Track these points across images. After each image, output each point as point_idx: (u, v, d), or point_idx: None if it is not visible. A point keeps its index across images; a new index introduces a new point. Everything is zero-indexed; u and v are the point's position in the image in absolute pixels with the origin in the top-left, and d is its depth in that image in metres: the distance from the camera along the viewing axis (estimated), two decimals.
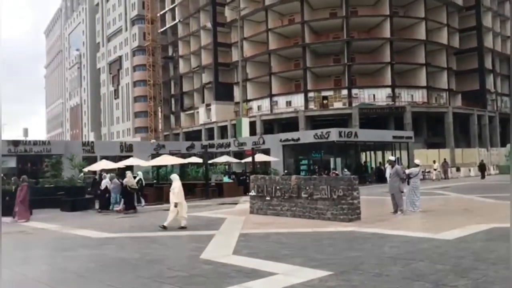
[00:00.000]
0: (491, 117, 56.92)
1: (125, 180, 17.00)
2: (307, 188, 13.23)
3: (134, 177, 18.08)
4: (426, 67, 52.41)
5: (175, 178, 12.38)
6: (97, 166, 26.18)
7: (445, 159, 38.52)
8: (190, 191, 24.78)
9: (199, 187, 23.90)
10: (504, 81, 64.28)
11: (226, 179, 24.96)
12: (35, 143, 30.31)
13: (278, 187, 14.10)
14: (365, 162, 35.61)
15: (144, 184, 19.69)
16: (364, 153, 36.31)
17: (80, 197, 18.97)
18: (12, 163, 28.39)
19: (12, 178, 17.15)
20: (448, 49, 55.30)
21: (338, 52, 53.00)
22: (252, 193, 14.79)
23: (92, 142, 34.63)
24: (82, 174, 22.38)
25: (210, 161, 27.24)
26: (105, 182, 18.19)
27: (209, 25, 60.76)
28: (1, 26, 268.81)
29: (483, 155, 46.56)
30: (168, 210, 12.29)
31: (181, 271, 6.84)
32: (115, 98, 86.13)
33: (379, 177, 30.36)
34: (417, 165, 14.62)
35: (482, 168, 35.93)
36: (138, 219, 15.20)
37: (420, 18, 52.79)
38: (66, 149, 30.57)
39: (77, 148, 31.91)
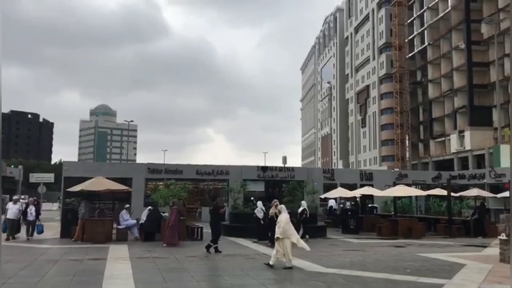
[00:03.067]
0: None
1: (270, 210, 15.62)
2: None
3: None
4: None
5: (282, 209, 11.04)
6: (334, 193, 26.22)
7: None
8: (431, 227, 22.34)
9: (442, 223, 21.15)
10: None
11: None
12: (281, 169, 32.39)
13: None
14: None
15: (308, 216, 17.92)
16: None
17: (311, 224, 18.85)
18: (260, 187, 30.91)
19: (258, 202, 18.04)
20: None
21: None
22: (503, 236, 11.93)
23: (333, 169, 35.10)
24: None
25: (456, 194, 24.02)
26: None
27: (462, 44, 55.63)
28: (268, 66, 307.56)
29: None
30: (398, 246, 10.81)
31: None
32: (362, 127, 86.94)
33: None
34: None
35: None
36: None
37: None
38: (308, 175, 31.69)
39: (318, 175, 32.77)
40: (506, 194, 22.43)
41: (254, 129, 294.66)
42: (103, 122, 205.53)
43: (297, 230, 13.10)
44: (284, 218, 10.76)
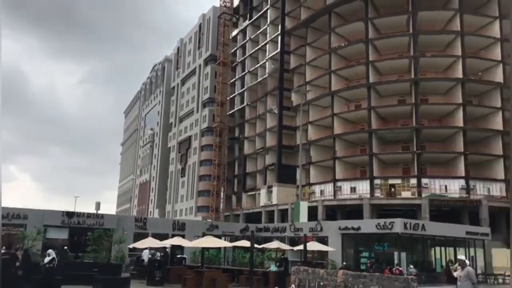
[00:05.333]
0: None
1: None
2: (356, 287, 11.29)
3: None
4: (504, 159, 48.59)
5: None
6: (143, 243, 25.46)
7: None
8: (235, 279, 23.17)
9: (245, 274, 22.15)
10: None
11: (273, 267, 22.97)
12: (89, 215, 30.41)
13: (322, 283, 12.28)
14: (434, 259, 32.10)
15: (55, 265, 15.76)
16: (433, 249, 32.85)
17: (114, 275, 17.90)
18: (64, 234, 28.43)
19: (48, 250, 16.49)
20: None
21: (407, 139, 50.89)
22: (293, 287, 12.98)
23: (146, 218, 34.32)
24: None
25: (259, 246, 25.57)
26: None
27: (275, 108, 61.52)
28: (89, 105, 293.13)
29: None
30: None
31: None
32: (182, 176, 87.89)
33: (449, 277, 26.87)
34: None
35: None
36: None
37: (496, 107, 50.00)
38: (118, 223, 30.35)
39: (129, 224, 31.64)
40: (301, 247, 24.69)
41: (66, 170, 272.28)
42: None
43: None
44: None
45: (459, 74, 49.52)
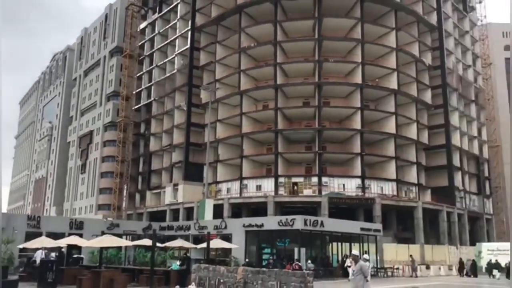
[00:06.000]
0: (460, 214, 56.46)
1: None
2: (255, 283, 11.46)
3: None
4: (396, 160, 52.50)
5: None
6: (35, 243, 23.80)
7: (411, 255, 37.00)
8: (135, 278, 22.50)
9: (145, 273, 21.54)
10: (472, 179, 64.79)
11: (175, 266, 22.62)
12: None
13: (222, 280, 12.31)
14: (332, 254, 33.74)
15: None
16: (330, 244, 34.52)
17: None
18: None
19: None
20: (417, 144, 55.91)
21: (310, 140, 53.01)
22: (193, 285, 12.86)
23: (39, 216, 31.98)
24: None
25: (161, 245, 25.04)
26: None
27: (184, 105, 60.74)
28: None
29: (453, 252, 45.40)
30: None
31: None
32: (82, 173, 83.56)
33: (344, 271, 28.44)
34: (366, 260, 13.02)
35: (472, 266, 35.78)
36: None
37: (390, 112, 53.80)
38: (8, 222, 28.01)
39: (21, 222, 29.38)
40: (204, 245, 24.60)
41: None
42: None
43: None
44: None
45: (359, 80, 52.58)
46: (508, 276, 31.99)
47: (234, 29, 59.10)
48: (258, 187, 52.51)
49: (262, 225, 31.85)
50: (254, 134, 54.71)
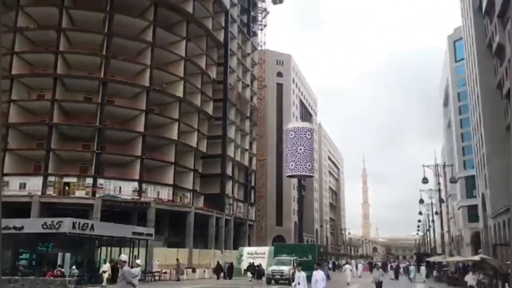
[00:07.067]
0: (228, 220, 61.19)
1: None
2: None
3: None
4: (175, 166, 53.77)
5: None
6: None
7: (177, 259, 38.34)
8: None
9: None
10: (240, 188, 71.01)
11: None
12: None
13: None
14: (100, 259, 32.36)
15: None
16: (99, 249, 33.09)
17: None
18: None
19: None
20: (196, 152, 58.45)
21: (89, 138, 50.07)
22: None
23: None
24: None
25: None
26: None
27: None
28: None
29: (218, 256, 48.62)
30: None
31: None
32: None
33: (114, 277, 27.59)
34: (139, 265, 13.02)
35: (217, 269, 37.73)
36: None
37: (174, 119, 54.92)
38: None
39: None
40: None
41: None
42: None
43: None
44: None
45: (146, 83, 52.29)
46: (256, 277, 36.04)
47: (12, 5, 52.19)
48: (23, 186, 47.11)
49: (22, 228, 28.51)
50: (24, 126, 49.07)
